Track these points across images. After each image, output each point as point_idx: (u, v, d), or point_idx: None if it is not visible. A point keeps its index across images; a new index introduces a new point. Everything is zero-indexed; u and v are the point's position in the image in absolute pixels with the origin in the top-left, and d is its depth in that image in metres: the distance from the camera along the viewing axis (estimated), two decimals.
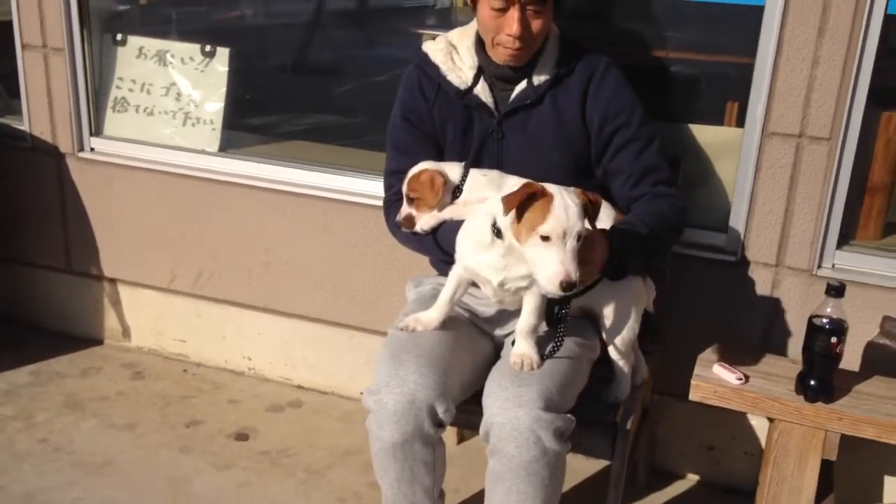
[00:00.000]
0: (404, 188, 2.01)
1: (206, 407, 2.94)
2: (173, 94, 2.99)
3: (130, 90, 3.04)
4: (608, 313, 1.93)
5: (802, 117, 2.21)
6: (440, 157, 2.10)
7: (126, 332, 3.27)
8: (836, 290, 1.93)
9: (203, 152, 2.96)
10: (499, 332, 2.05)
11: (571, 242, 1.60)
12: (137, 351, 3.28)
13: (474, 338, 1.99)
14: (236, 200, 2.92)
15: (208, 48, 2.94)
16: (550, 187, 1.63)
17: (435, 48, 2.12)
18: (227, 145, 2.97)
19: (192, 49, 2.96)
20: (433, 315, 1.89)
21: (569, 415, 1.76)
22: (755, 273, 2.37)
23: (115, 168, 3.04)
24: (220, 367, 3.18)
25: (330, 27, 3.05)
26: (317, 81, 3.10)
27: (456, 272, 1.86)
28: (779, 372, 2.15)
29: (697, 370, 2.16)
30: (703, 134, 2.38)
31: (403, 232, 2.07)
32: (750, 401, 2.07)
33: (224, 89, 2.93)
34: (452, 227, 1.95)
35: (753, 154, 2.28)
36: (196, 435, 2.77)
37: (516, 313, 1.89)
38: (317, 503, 2.46)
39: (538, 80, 2.03)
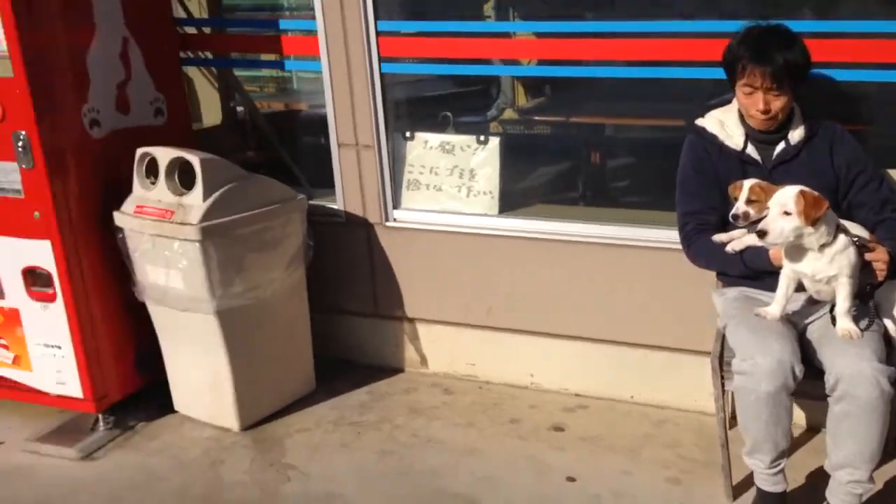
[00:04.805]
0: (745, 194, 2.65)
1: (514, 410, 3.77)
2: (456, 173, 3.88)
3: (420, 173, 3.94)
4: (885, 298, 2.77)
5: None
6: (725, 201, 2.90)
7: (424, 361, 4.16)
8: None
9: (485, 215, 3.85)
10: (803, 321, 2.85)
11: (773, 211, 2.51)
12: (434, 375, 4.14)
13: (789, 325, 2.81)
14: (516, 249, 3.79)
15: (482, 138, 3.86)
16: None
17: (708, 123, 2.97)
18: (504, 209, 3.86)
19: (469, 139, 3.88)
20: (776, 309, 2.72)
21: (893, 366, 2.56)
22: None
23: (415, 232, 3.94)
24: (505, 383, 4.01)
25: None
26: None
27: (785, 274, 2.71)
28: None
29: None
30: None
31: (712, 252, 2.89)
32: None
33: (498, 166, 3.83)
34: (756, 249, 2.80)
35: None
36: (521, 429, 3.61)
37: (814, 307, 2.78)
38: (649, 469, 3.25)
39: (794, 140, 2.87)
